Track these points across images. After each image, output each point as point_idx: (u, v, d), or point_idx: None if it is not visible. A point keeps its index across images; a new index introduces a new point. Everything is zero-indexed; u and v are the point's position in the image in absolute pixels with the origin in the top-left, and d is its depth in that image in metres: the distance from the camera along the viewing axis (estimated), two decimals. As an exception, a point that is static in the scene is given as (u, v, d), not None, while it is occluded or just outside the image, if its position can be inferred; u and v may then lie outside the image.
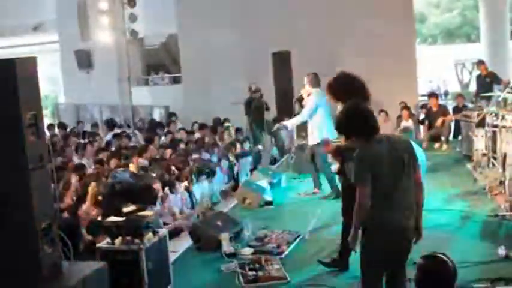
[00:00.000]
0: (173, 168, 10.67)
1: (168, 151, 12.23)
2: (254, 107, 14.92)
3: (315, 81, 10.27)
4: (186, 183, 10.20)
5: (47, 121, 19.11)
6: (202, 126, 15.58)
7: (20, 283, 4.62)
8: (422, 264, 4.01)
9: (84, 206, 8.37)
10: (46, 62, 36.95)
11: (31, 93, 4.69)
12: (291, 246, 7.86)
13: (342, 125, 5.11)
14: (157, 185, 9.01)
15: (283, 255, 7.57)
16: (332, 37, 16.85)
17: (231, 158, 12.32)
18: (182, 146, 12.96)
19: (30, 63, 4.77)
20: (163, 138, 14.72)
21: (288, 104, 14.87)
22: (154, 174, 9.72)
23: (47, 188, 4.92)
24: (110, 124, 18.18)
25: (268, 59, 15.22)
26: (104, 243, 6.05)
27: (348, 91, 6.55)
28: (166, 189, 9.58)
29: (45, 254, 4.68)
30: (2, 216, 4.59)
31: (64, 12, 25.10)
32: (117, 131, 16.77)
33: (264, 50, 15.50)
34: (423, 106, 16.20)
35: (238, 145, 13.26)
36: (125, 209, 6.29)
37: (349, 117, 5.03)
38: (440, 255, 4.02)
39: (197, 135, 14.80)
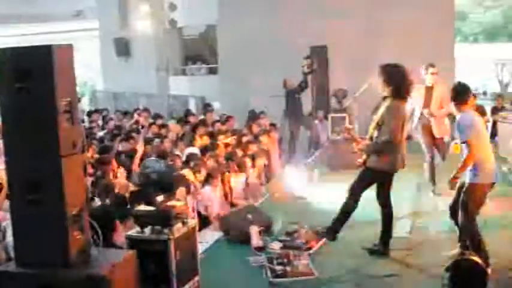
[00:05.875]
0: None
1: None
2: (291, 99, 14.92)
3: None
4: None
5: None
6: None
7: (47, 267, 4.66)
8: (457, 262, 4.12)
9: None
10: (86, 48, 37.32)
11: (67, 80, 4.72)
12: (320, 242, 7.80)
13: None
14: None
15: (312, 251, 7.54)
16: (369, 32, 16.72)
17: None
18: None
19: (67, 50, 4.79)
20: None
21: (324, 98, 14.84)
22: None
23: (79, 175, 4.95)
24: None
25: (306, 53, 15.11)
26: (133, 231, 6.07)
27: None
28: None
29: (74, 240, 4.71)
30: (33, 201, 4.64)
31: (105, 0, 25.34)
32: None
33: (302, 44, 15.39)
34: None
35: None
36: (158, 199, 6.36)
37: None
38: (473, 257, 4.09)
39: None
